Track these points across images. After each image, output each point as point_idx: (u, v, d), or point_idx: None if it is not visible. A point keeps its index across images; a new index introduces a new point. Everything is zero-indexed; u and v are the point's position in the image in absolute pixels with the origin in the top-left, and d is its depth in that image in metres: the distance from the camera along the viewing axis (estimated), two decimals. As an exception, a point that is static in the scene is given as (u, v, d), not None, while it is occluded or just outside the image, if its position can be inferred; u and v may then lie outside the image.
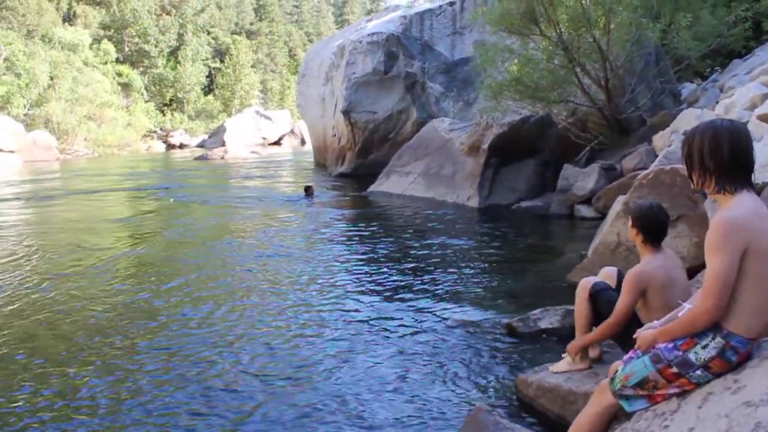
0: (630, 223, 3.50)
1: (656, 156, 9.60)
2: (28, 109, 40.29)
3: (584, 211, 10.40)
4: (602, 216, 8.98)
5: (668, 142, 9.97)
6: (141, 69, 58.06)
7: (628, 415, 2.57)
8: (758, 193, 4.32)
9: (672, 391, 2.42)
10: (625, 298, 3.35)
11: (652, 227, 3.38)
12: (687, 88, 19.62)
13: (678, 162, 6.43)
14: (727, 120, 2.45)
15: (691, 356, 2.36)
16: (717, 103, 11.93)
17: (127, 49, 58.30)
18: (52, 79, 42.07)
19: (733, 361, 2.32)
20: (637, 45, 13.00)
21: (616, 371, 2.58)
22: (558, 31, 13.00)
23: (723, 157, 2.34)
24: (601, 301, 3.58)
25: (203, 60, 63.87)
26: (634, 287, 3.32)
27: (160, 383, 4.44)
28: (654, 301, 3.32)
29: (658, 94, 14.66)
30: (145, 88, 56.86)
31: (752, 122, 8.19)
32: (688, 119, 10.17)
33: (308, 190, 14.60)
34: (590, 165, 11.47)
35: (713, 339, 2.34)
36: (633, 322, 3.33)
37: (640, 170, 8.43)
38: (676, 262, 3.48)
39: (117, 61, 55.07)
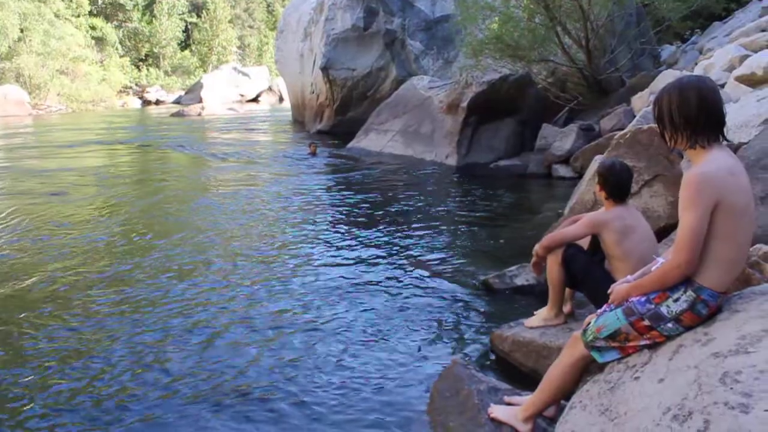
0: (597, 178, 3.65)
1: (635, 117, 9.64)
2: (-2, 63, 39.26)
3: (562, 170, 10.46)
4: (579, 176, 9.03)
5: (647, 103, 9.99)
6: (115, 23, 56.50)
7: (600, 367, 2.62)
8: (734, 152, 4.37)
9: (643, 343, 2.46)
10: (575, 229, 3.63)
11: (613, 184, 3.55)
12: (667, 50, 19.67)
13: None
14: (693, 76, 2.46)
15: (663, 309, 2.40)
16: (696, 64, 11.97)
17: (100, 1, 56.62)
18: (22, 31, 40.86)
19: (703, 314, 2.36)
20: (618, 5, 12.96)
21: (589, 323, 2.62)
22: (540, -11, 12.89)
23: (691, 112, 2.35)
24: (574, 265, 3.64)
25: (179, 14, 62.28)
26: (586, 225, 3.59)
27: (127, 336, 4.45)
28: (614, 250, 3.47)
29: (638, 55, 14.68)
30: (120, 43, 55.45)
31: (730, 83, 8.24)
32: (667, 80, 10.16)
33: (310, 146, 14.67)
34: (569, 125, 11.50)
35: (685, 292, 2.37)
36: (606, 278, 3.39)
37: (618, 130, 8.47)
38: (635, 214, 3.62)
39: (90, 13, 53.52)
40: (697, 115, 2.34)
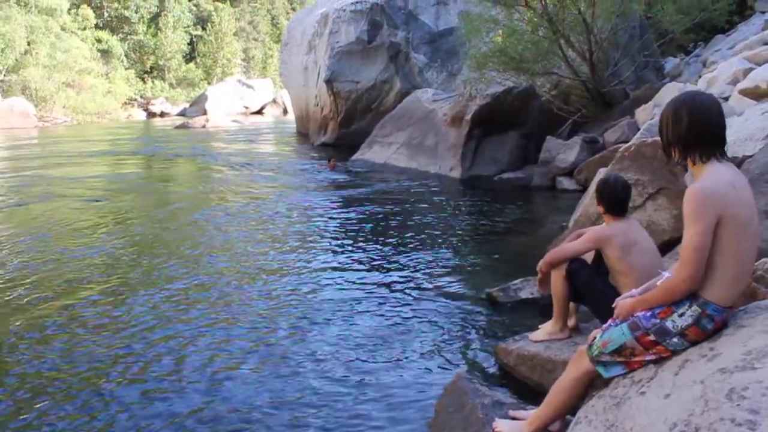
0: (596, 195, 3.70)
1: (638, 129, 9.64)
2: (5, 75, 39.40)
3: (566, 183, 10.46)
4: (583, 188, 9.03)
5: (650, 116, 10.01)
6: (121, 35, 56.82)
7: (605, 382, 2.60)
8: (738, 166, 4.37)
9: (649, 358, 2.46)
10: (577, 244, 3.63)
11: (609, 198, 3.59)
12: (670, 63, 19.70)
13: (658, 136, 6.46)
14: (690, 93, 2.52)
15: (668, 324, 2.40)
16: (699, 77, 11.99)
17: (106, 14, 56.97)
18: (29, 44, 41.10)
19: (708, 329, 2.36)
20: (621, 18, 12.98)
21: (595, 338, 2.61)
22: (543, 2, 12.94)
23: (682, 130, 2.42)
24: (578, 279, 3.65)
25: (185, 27, 62.66)
26: (589, 240, 3.60)
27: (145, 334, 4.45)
28: (617, 264, 3.48)
29: (642, 67, 14.69)
30: (125, 55, 55.75)
31: (734, 97, 8.24)
32: (671, 93, 10.19)
33: (330, 162, 14.48)
34: (573, 138, 11.52)
35: (690, 307, 2.37)
36: (610, 292, 3.39)
37: (622, 143, 8.47)
38: (637, 228, 3.63)
39: (96, 27, 53.87)
40: (687, 133, 2.41)
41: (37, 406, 3.68)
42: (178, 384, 3.93)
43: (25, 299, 5.57)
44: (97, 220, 8.99)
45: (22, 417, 3.56)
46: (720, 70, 10.40)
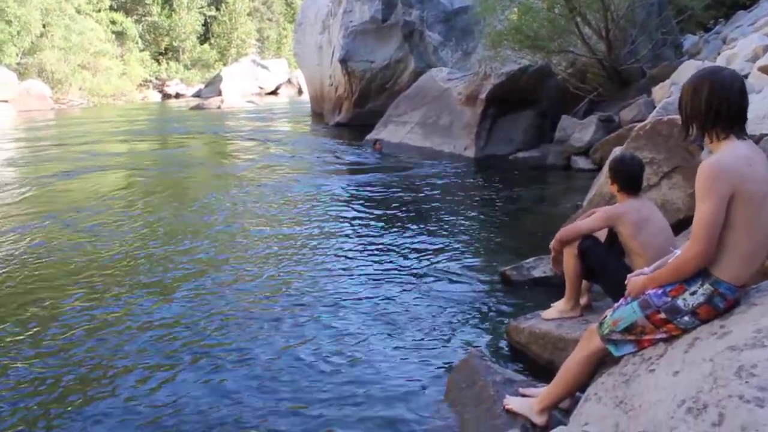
0: (608, 173, 3.68)
1: (655, 108, 9.53)
2: (21, 58, 39.57)
3: (581, 162, 10.39)
4: (599, 168, 8.95)
5: (667, 94, 9.87)
6: (135, 17, 56.77)
7: (616, 360, 2.60)
8: (755, 143, 4.31)
9: (659, 336, 2.45)
10: (589, 222, 3.63)
11: (624, 176, 3.57)
12: (689, 40, 19.37)
13: (676, 113, 6.39)
14: (715, 67, 2.46)
15: (680, 302, 2.38)
16: (719, 54, 11.79)
17: (120, -4, 57.07)
18: (44, 26, 41.20)
19: (720, 307, 2.34)
20: (639, -6, 12.79)
21: (606, 316, 2.61)
22: (559, -22, 12.78)
23: (700, 105, 2.37)
24: (590, 257, 3.63)
25: (199, 8, 62.42)
26: (601, 218, 3.60)
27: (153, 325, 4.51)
28: (630, 243, 3.47)
29: (660, 45, 14.48)
30: (140, 37, 55.77)
31: (753, 74, 8.11)
32: (689, 71, 10.04)
33: (375, 144, 14.00)
34: (588, 116, 11.41)
35: (702, 286, 2.35)
36: (622, 271, 3.37)
37: (638, 122, 8.37)
38: (650, 206, 3.63)
39: (110, 8, 53.88)
40: (706, 108, 2.35)
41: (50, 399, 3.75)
42: (185, 373, 3.98)
43: (44, 281, 5.66)
44: (121, 201, 9.07)
45: (27, 408, 3.64)
46: (740, 47, 10.22)
